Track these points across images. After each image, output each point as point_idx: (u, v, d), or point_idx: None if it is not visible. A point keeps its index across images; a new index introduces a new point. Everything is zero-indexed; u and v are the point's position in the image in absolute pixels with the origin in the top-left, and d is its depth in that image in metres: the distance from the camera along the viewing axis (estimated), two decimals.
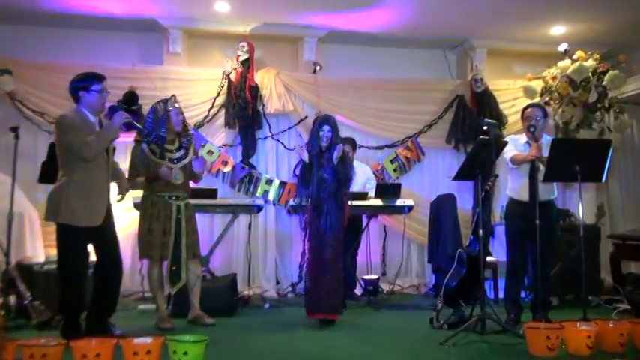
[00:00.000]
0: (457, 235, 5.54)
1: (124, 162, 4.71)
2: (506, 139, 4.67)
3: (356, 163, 5.62)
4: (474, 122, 6.61)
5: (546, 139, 4.41)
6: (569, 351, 3.63)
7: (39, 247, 5.31)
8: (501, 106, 6.86)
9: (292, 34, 6.75)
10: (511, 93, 6.99)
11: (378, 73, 7.00)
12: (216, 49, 6.71)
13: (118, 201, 4.22)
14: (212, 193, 5.53)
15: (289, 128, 6.55)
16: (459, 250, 4.70)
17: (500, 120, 6.65)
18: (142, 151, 4.47)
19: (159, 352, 3.24)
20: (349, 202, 4.76)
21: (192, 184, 4.74)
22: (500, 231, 5.65)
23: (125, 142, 5.04)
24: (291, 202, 5.74)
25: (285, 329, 4.47)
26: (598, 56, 6.34)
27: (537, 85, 6.58)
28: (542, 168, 4.26)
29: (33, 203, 5.44)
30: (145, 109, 5.09)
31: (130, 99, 5.83)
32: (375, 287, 5.90)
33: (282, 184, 6.38)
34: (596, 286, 5.64)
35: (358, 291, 5.94)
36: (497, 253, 5.92)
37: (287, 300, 5.97)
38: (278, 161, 6.55)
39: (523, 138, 4.57)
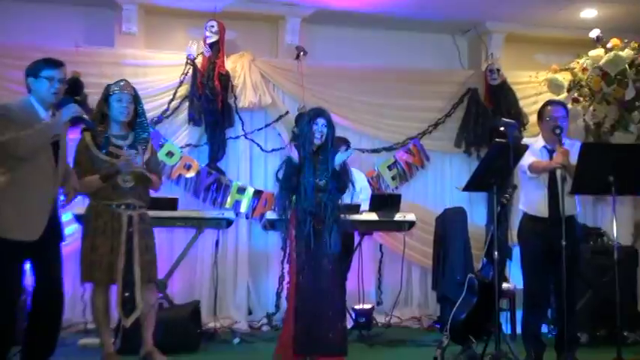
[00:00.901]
0: (467, 258, 5.54)
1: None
2: (526, 143, 4.69)
3: None
4: (488, 122, 6.66)
5: (568, 143, 4.43)
6: None
7: None
8: (521, 103, 6.91)
9: (271, 13, 6.75)
10: (533, 87, 7.02)
11: (373, 60, 7.01)
12: (179, 29, 6.71)
13: (63, 205, 4.15)
14: (172, 204, 5.49)
15: (266, 126, 6.55)
16: (470, 275, 4.71)
17: (520, 119, 6.66)
18: (87, 147, 4.38)
19: None
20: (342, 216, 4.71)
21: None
22: (518, 253, 5.67)
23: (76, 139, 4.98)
24: (268, 216, 5.71)
25: None
26: (637, 45, 6.38)
27: (564, 78, 6.62)
28: (568, 178, 4.28)
29: None
30: (93, 99, 5.03)
31: (73, 87, 5.75)
32: (368, 319, 5.89)
33: (257, 193, 6.36)
34: (634, 320, 5.65)
35: (348, 324, 5.91)
36: (516, 279, 5.92)
37: (261, 334, 5.94)
38: (252, 166, 6.55)
39: (539, 142, 4.60)
